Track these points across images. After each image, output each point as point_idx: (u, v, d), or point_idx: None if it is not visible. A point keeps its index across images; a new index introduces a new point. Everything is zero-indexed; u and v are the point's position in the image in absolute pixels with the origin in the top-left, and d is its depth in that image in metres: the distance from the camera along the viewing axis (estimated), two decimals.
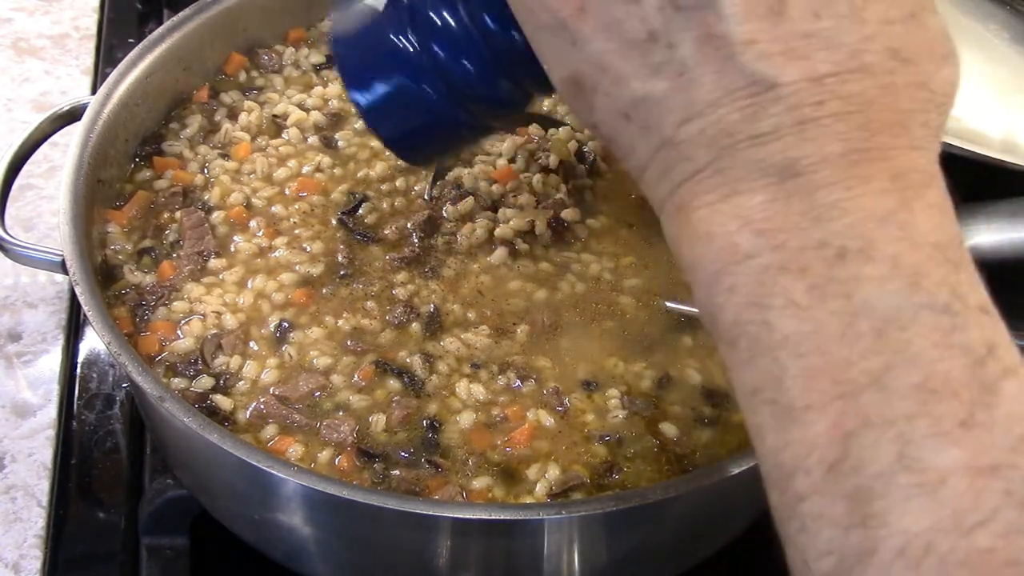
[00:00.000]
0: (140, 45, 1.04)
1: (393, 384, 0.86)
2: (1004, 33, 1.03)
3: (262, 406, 0.84)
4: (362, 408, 0.85)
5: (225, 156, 1.04)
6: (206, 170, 1.03)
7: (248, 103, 1.09)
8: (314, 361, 0.87)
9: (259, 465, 0.73)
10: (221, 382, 0.86)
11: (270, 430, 0.83)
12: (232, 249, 0.96)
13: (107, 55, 1.36)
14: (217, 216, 0.98)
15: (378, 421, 0.83)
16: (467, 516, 0.74)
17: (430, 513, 0.73)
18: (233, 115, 1.08)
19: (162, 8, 1.43)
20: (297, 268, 0.94)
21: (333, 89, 1.11)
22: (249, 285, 0.93)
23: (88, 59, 1.35)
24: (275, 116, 1.08)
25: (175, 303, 0.91)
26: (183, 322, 0.90)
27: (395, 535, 0.78)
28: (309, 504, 0.78)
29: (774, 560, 0.91)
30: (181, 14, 1.08)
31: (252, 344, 0.89)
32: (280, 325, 0.90)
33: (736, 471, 0.74)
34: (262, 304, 0.91)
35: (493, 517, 0.73)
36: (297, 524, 0.80)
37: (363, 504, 0.72)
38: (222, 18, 1.11)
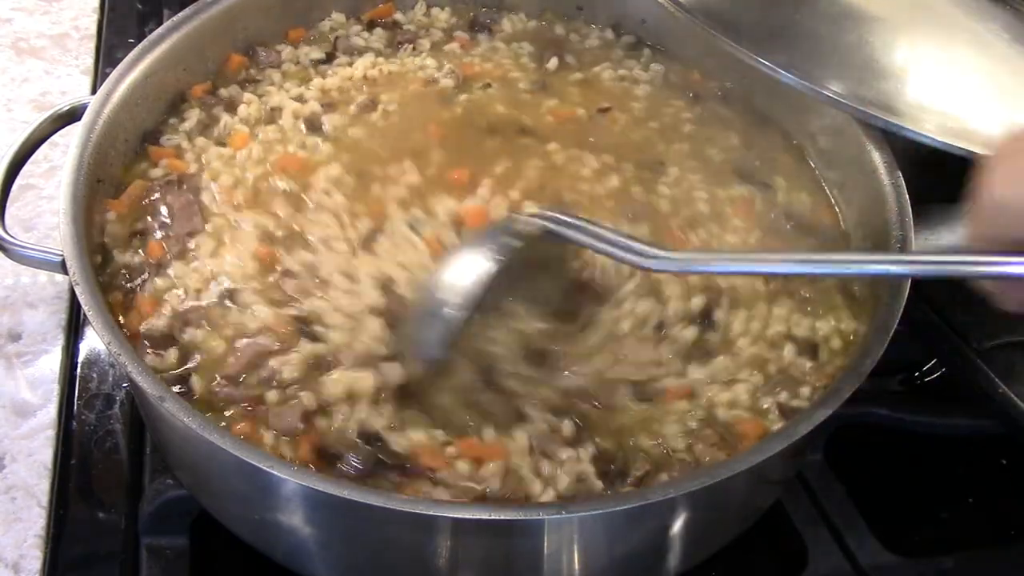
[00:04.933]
0: (140, 45, 1.05)
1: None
2: (1004, 33, 1.02)
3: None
4: None
5: (222, 144, 1.04)
6: (203, 159, 1.02)
7: (247, 95, 1.09)
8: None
9: (259, 465, 0.73)
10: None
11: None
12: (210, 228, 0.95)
13: (107, 55, 1.36)
14: (207, 195, 0.98)
15: None
16: (467, 516, 0.74)
17: (430, 513, 0.73)
18: (231, 107, 1.08)
19: (162, 8, 1.43)
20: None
21: (332, 81, 1.11)
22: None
23: (88, 59, 1.35)
24: (273, 109, 1.08)
25: (157, 279, 0.91)
26: (164, 298, 0.89)
27: (395, 535, 0.78)
28: (309, 504, 0.78)
29: (773, 561, 0.90)
30: (181, 14, 1.08)
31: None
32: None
33: (736, 471, 0.74)
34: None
35: (493, 517, 0.73)
36: (297, 524, 0.80)
37: (363, 504, 0.72)
38: (222, 18, 1.11)
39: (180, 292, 0.90)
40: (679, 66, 1.18)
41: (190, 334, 0.87)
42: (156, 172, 1.01)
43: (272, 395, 0.83)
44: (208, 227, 0.95)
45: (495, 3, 1.24)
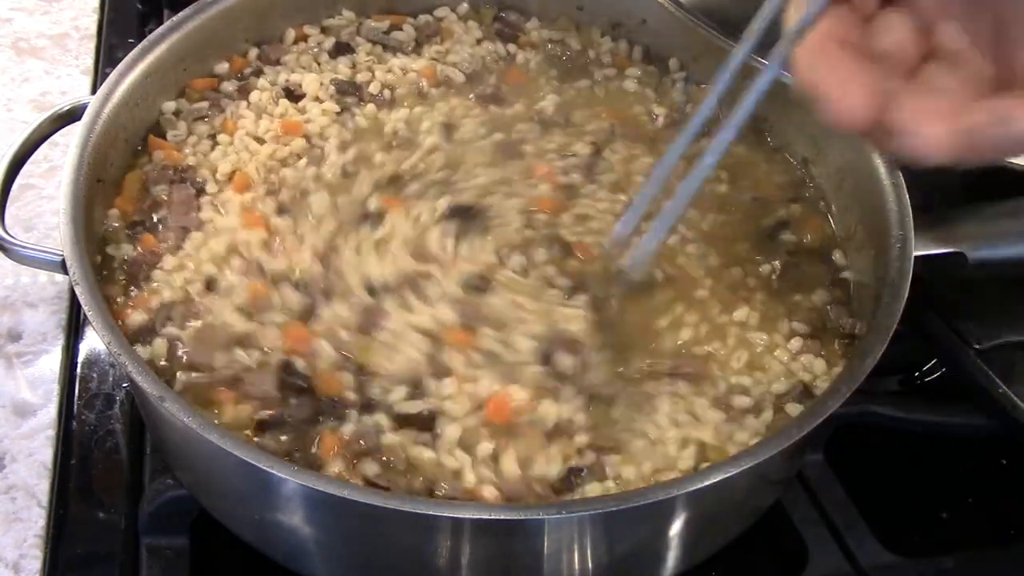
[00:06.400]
0: (140, 45, 1.04)
1: None
2: None
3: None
4: None
5: (215, 136, 1.04)
6: (200, 152, 1.02)
7: (261, 81, 1.09)
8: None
9: (259, 465, 0.73)
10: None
11: None
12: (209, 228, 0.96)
13: (107, 55, 1.36)
14: (211, 187, 0.98)
15: None
16: (467, 516, 0.74)
17: (430, 513, 0.73)
18: (244, 92, 1.08)
19: (162, 8, 1.43)
20: None
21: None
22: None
23: (88, 59, 1.35)
24: (288, 90, 1.07)
25: (155, 272, 0.91)
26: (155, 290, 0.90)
27: (395, 535, 0.78)
28: (309, 504, 0.78)
29: (773, 561, 0.90)
30: (181, 14, 1.08)
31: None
32: None
33: (735, 471, 0.74)
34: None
35: (493, 517, 0.73)
36: (297, 524, 0.80)
37: (363, 504, 0.72)
38: (222, 18, 1.11)
39: (170, 286, 0.90)
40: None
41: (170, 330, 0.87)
42: (153, 164, 1.01)
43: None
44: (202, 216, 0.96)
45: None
